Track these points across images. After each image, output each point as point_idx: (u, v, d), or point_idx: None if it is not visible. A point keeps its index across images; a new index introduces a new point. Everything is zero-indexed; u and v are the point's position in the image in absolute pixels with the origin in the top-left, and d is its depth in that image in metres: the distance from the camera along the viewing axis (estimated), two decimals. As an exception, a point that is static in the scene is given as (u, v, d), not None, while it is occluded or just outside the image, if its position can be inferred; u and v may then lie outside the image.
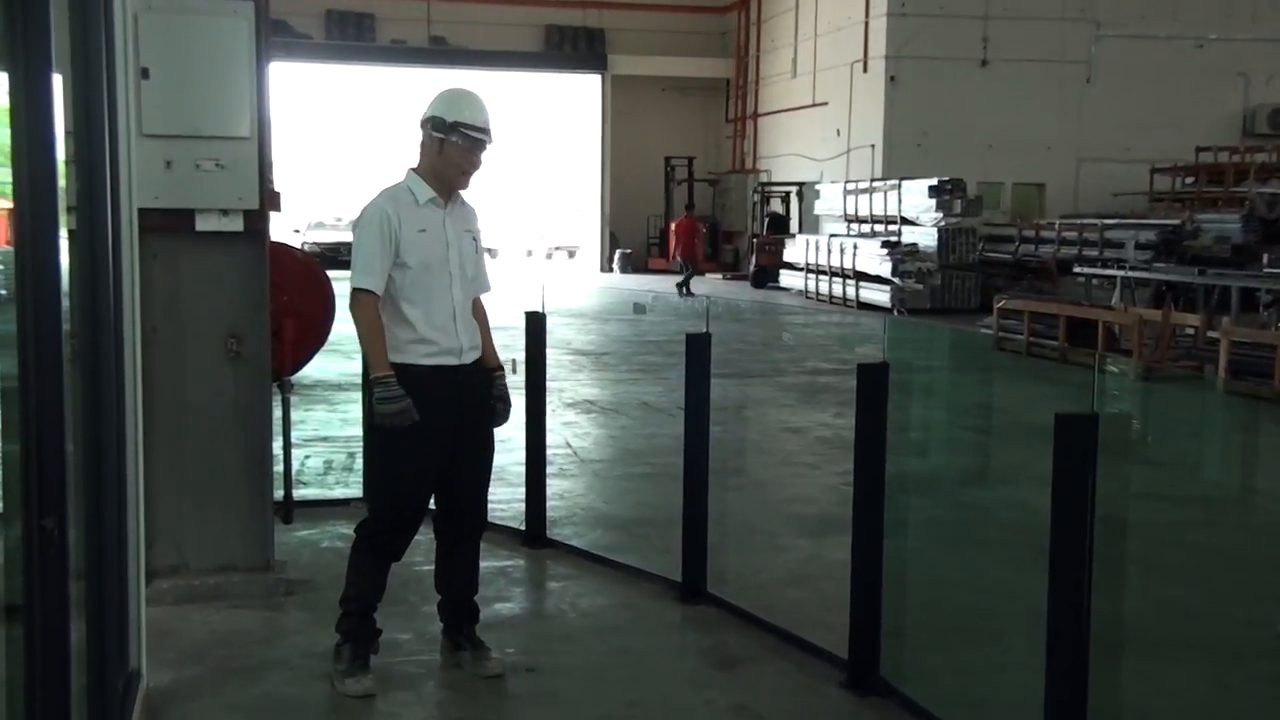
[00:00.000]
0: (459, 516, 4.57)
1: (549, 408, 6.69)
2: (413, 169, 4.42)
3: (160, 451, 4.97)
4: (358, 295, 4.26)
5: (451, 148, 4.31)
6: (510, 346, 5.84)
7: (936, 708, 4.12)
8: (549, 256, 42.19)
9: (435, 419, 4.28)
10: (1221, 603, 5.82)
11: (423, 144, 4.38)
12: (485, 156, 4.41)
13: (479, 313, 4.58)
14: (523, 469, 6.44)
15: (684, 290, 25.29)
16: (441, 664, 4.62)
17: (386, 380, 4.19)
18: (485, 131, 4.34)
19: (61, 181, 2.58)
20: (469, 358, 4.39)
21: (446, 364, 4.32)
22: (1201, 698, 4.69)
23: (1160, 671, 4.81)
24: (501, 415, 4.58)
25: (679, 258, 27.19)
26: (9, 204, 2.47)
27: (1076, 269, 19.45)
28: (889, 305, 21.77)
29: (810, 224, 29.32)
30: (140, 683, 4.07)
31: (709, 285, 28.91)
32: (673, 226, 29.09)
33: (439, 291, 4.33)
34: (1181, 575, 6.21)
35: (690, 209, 31.83)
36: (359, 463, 7.42)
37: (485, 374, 4.49)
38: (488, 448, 4.57)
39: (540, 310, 6.17)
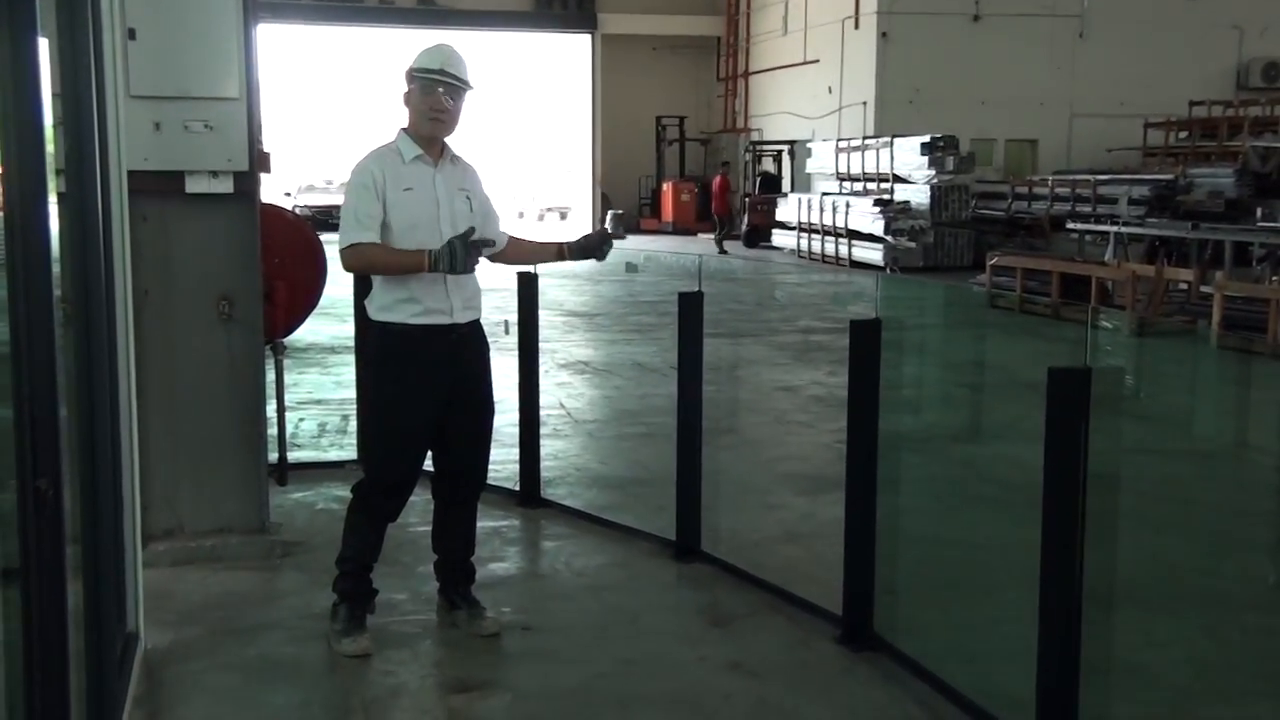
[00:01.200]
0: (455, 477, 4.58)
1: (542, 369, 6.70)
2: (403, 128, 4.41)
3: (154, 414, 4.97)
4: (349, 250, 4.20)
5: (413, 95, 4.35)
6: (502, 308, 5.83)
7: (930, 662, 4.16)
8: (541, 218, 42.08)
9: (429, 378, 4.28)
10: (1213, 556, 5.86)
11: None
12: (463, 105, 4.37)
13: (513, 245, 4.72)
14: (516, 430, 6.45)
15: (722, 248, 25.66)
16: (438, 623, 4.65)
17: (435, 256, 4.10)
18: (439, 73, 4.31)
19: (50, 145, 2.57)
20: (463, 317, 4.36)
21: (438, 323, 4.29)
22: (1193, 649, 4.72)
23: (1152, 624, 4.84)
24: (605, 244, 4.66)
25: (716, 215, 27.85)
26: (-3, 168, 2.46)
27: (1070, 225, 19.45)
28: (882, 263, 21.76)
29: (802, 183, 29.24)
30: (138, 644, 4.10)
31: (700, 245, 28.86)
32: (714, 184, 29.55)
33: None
34: (1173, 528, 6.25)
35: (726, 165, 31.75)
36: (353, 425, 7.43)
37: (482, 335, 4.48)
38: (485, 408, 4.55)
39: (532, 271, 6.15)
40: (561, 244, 4.71)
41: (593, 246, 4.61)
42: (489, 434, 4.61)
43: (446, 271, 4.13)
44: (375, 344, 4.39)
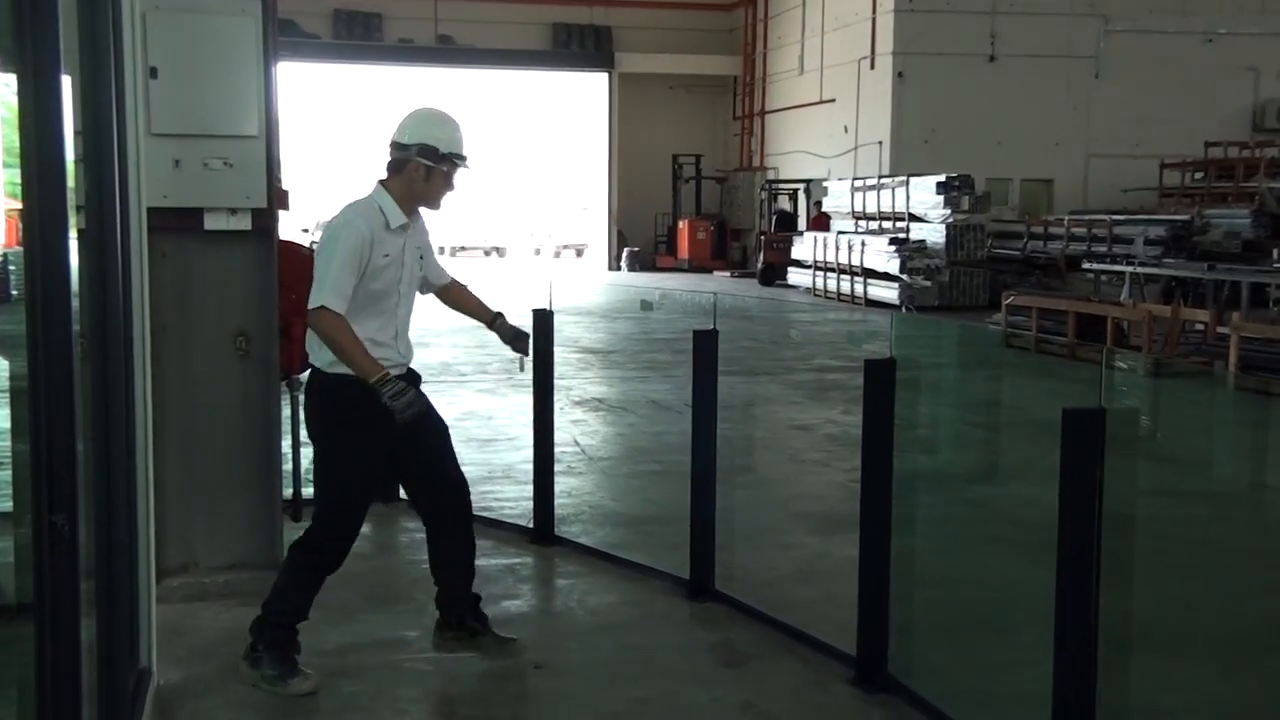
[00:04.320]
0: (434, 495, 4.57)
1: (557, 406, 6.70)
2: (383, 185, 4.36)
3: (170, 450, 4.99)
4: (325, 313, 4.12)
5: (439, 176, 4.34)
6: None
7: (945, 704, 4.13)
8: (557, 255, 42.19)
9: (382, 423, 4.17)
10: (1230, 598, 5.81)
11: (402, 165, 4.33)
12: None
13: (455, 291, 4.77)
14: (531, 467, 6.45)
15: None
16: (448, 658, 4.62)
17: (388, 379, 4.11)
18: (464, 159, 4.39)
19: (71, 181, 2.59)
20: (408, 363, 4.49)
21: (398, 371, 4.33)
22: (1211, 693, 4.68)
23: (1169, 667, 4.80)
24: (525, 344, 4.74)
25: None
26: (19, 204, 2.49)
27: (1085, 265, 19.42)
28: (897, 302, 21.75)
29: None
30: (150, 680, 4.09)
31: (716, 283, 28.91)
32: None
33: (387, 312, 4.34)
34: (1190, 571, 6.20)
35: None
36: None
37: (416, 376, 4.52)
38: (439, 425, 4.56)
39: (548, 308, 6.17)
40: (498, 315, 4.75)
41: (517, 338, 4.72)
42: (451, 449, 4.64)
43: (389, 403, 4.07)
44: (337, 395, 4.27)
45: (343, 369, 4.20)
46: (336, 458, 4.36)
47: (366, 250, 4.20)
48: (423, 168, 4.30)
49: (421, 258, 4.51)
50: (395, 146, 4.36)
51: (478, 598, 4.72)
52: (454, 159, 4.35)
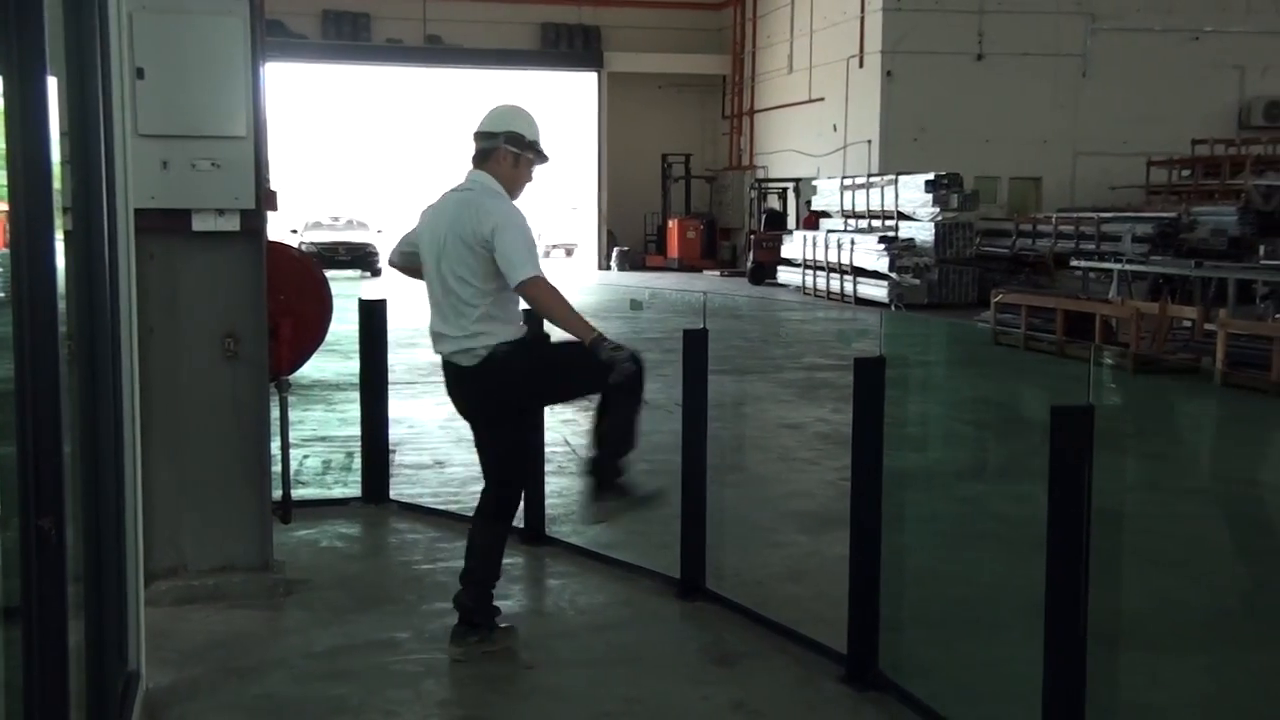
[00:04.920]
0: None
1: (547, 405, 6.68)
2: (490, 175, 4.57)
3: (158, 452, 4.97)
4: (541, 281, 4.34)
5: (525, 163, 4.61)
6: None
7: (935, 701, 4.13)
8: (547, 254, 42.16)
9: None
10: (1219, 594, 5.83)
11: (489, 153, 4.57)
12: None
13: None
14: (521, 467, 6.43)
15: None
16: (433, 657, 4.62)
17: (603, 336, 4.35)
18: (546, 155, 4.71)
19: (57, 183, 2.58)
20: None
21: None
22: (1199, 689, 4.70)
23: (1158, 663, 4.81)
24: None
25: None
26: (5, 205, 2.48)
27: (1074, 262, 19.46)
28: (887, 300, 21.78)
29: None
30: (139, 683, 4.08)
31: (706, 281, 28.92)
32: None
33: None
34: (1179, 567, 6.22)
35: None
36: (357, 462, 7.41)
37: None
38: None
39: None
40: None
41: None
42: (490, 466, 4.90)
43: (609, 356, 4.33)
44: (524, 353, 4.55)
45: (515, 336, 4.50)
46: (520, 424, 4.78)
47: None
48: (510, 155, 4.55)
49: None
50: (481, 136, 4.59)
51: (461, 600, 4.71)
52: (539, 149, 4.60)
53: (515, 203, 4.63)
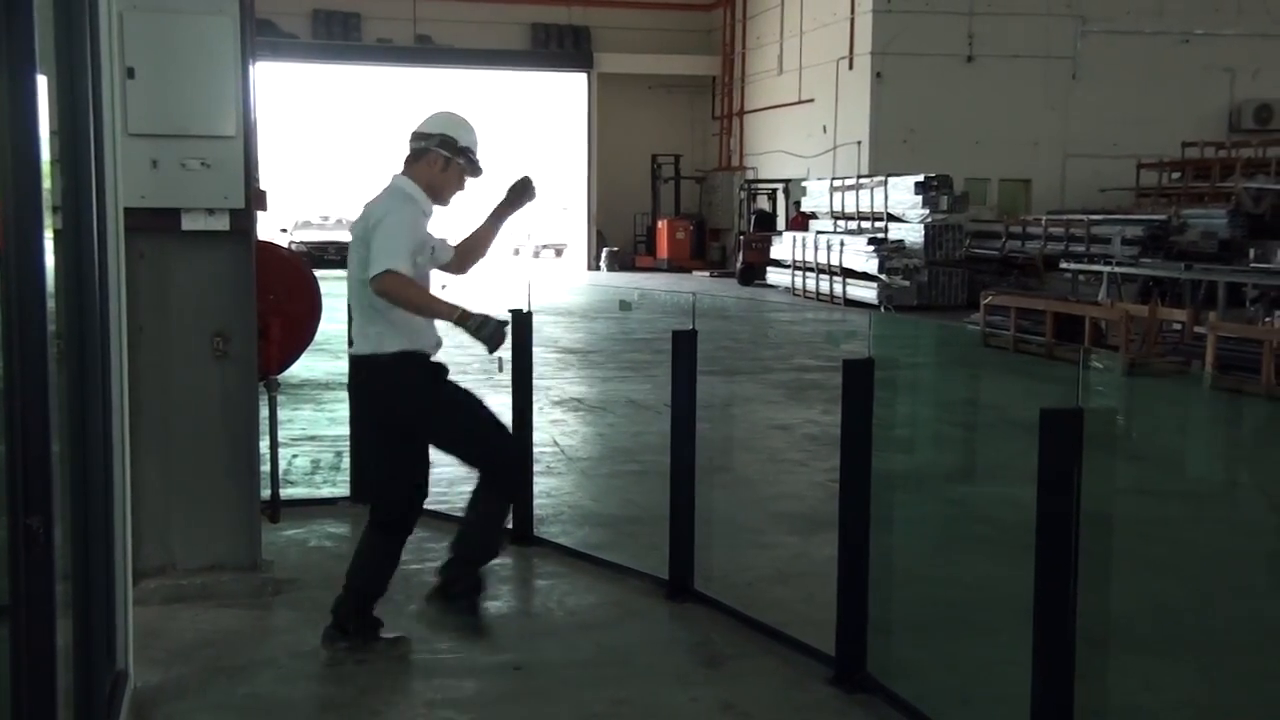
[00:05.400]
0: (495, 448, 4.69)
1: (536, 406, 6.69)
2: (409, 178, 4.55)
3: (147, 451, 4.96)
4: (390, 274, 4.23)
5: (455, 170, 4.56)
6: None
7: (923, 703, 4.14)
8: (536, 255, 42.14)
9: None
10: (1208, 598, 5.85)
11: (420, 155, 4.54)
12: None
13: (462, 248, 4.92)
14: (510, 467, 6.43)
15: None
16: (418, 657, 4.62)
17: (468, 315, 4.26)
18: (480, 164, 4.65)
19: (47, 182, 2.58)
20: (440, 347, 4.65)
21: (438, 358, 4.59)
22: (1188, 692, 4.71)
23: (1146, 666, 4.83)
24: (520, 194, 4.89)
25: None
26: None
27: (1063, 264, 19.51)
28: (876, 302, 21.80)
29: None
30: (127, 683, 4.07)
31: (695, 282, 28.93)
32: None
33: None
34: (1167, 570, 6.24)
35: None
36: (346, 462, 7.41)
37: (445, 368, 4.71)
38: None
39: (527, 308, 6.16)
40: (491, 215, 4.88)
41: (520, 190, 4.84)
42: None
43: (476, 335, 4.25)
44: (405, 373, 4.45)
45: (416, 345, 4.41)
46: (416, 432, 4.57)
47: (420, 228, 4.45)
48: (440, 159, 4.53)
49: (433, 248, 4.66)
50: (416, 138, 4.58)
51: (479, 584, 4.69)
52: (470, 155, 4.56)
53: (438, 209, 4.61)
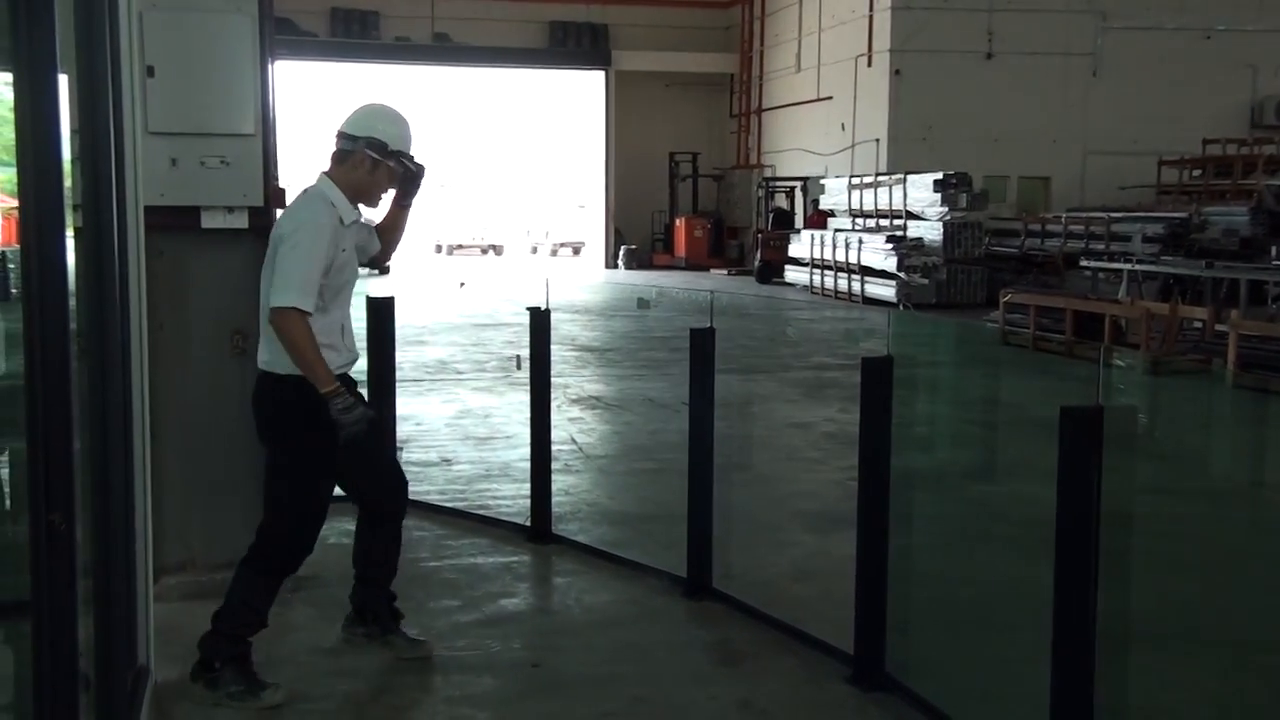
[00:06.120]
0: (378, 492, 4.59)
1: (554, 404, 6.70)
2: (328, 177, 4.29)
3: (167, 448, 4.98)
4: (293, 315, 4.00)
5: (384, 172, 4.31)
6: (515, 343, 5.84)
7: (942, 702, 4.13)
8: (554, 253, 42.18)
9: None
10: (1229, 597, 5.82)
11: (346, 156, 4.29)
12: None
13: (382, 235, 4.68)
14: (528, 465, 6.45)
15: None
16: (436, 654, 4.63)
17: (339, 393, 4.04)
18: (411, 158, 4.38)
19: (67, 180, 2.59)
20: (355, 359, 4.44)
21: (347, 372, 4.33)
22: (1209, 691, 4.69)
23: (1167, 666, 4.81)
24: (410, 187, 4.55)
25: None
26: (15, 203, 2.48)
27: (1083, 262, 19.42)
28: (895, 300, 21.75)
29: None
30: (149, 678, 4.09)
31: (713, 281, 28.90)
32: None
33: (338, 308, 4.29)
34: (1188, 569, 6.21)
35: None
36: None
37: (353, 381, 4.45)
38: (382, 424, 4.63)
39: (544, 306, 6.17)
40: (392, 206, 4.61)
41: (409, 181, 4.46)
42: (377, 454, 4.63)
43: (338, 417, 4.01)
44: (300, 396, 4.10)
45: (288, 369, 4.12)
46: (304, 463, 4.22)
47: (332, 248, 4.16)
48: (368, 160, 4.27)
49: (360, 247, 4.47)
50: (343, 137, 4.32)
51: (393, 595, 4.70)
52: (403, 159, 4.33)
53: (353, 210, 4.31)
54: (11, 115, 2.43)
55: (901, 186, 23.81)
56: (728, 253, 34.04)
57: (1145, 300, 15.51)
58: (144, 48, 4.75)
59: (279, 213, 5.08)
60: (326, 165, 4.33)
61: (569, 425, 9.51)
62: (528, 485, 6.43)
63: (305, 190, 4.31)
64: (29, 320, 2.42)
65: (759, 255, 29.48)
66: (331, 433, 4.08)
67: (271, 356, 4.18)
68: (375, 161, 4.27)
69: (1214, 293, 15.82)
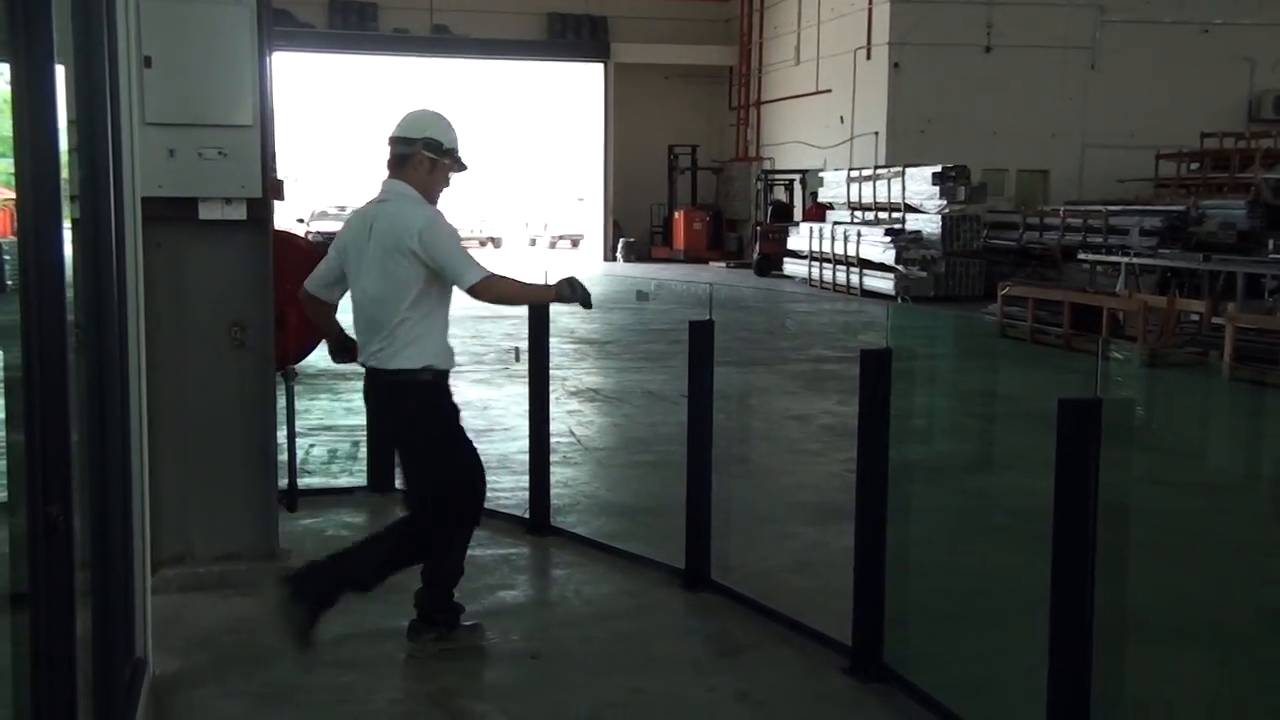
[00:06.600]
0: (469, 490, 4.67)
1: (553, 396, 6.70)
2: (404, 182, 4.45)
3: (165, 440, 4.98)
4: (483, 283, 4.29)
5: (442, 170, 4.52)
6: (514, 335, 5.84)
7: (940, 693, 4.13)
8: (552, 246, 42.19)
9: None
10: (1226, 589, 5.82)
11: (405, 159, 4.45)
12: None
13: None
14: (526, 457, 6.45)
15: None
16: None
17: (559, 289, 4.37)
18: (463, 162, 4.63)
19: (65, 171, 2.58)
20: None
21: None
22: (1206, 683, 4.69)
23: (1164, 657, 4.81)
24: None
25: None
26: (12, 194, 2.48)
27: (1081, 255, 19.42)
28: (893, 293, 21.75)
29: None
30: (146, 671, 4.09)
31: (712, 273, 28.88)
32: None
33: (448, 304, 4.54)
34: (1186, 561, 6.21)
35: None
36: (363, 451, 7.43)
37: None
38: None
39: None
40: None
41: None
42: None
43: (573, 299, 4.35)
44: (434, 394, 4.47)
45: (442, 363, 4.46)
46: (454, 436, 4.54)
47: None
48: (427, 161, 4.46)
49: None
50: (398, 142, 4.46)
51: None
52: (456, 156, 4.53)
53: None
54: (8, 106, 2.42)
55: (900, 179, 23.81)
56: (726, 245, 34.05)
57: (1143, 293, 15.52)
58: (141, 38, 4.74)
59: (276, 205, 5.09)
60: (386, 172, 4.52)
61: (568, 418, 9.51)
62: (526, 477, 6.43)
63: (385, 196, 4.45)
64: (26, 312, 2.41)
65: (758, 248, 29.49)
66: (454, 412, 4.52)
67: (405, 358, 4.38)
68: (433, 161, 4.47)
69: (1211, 286, 15.82)
